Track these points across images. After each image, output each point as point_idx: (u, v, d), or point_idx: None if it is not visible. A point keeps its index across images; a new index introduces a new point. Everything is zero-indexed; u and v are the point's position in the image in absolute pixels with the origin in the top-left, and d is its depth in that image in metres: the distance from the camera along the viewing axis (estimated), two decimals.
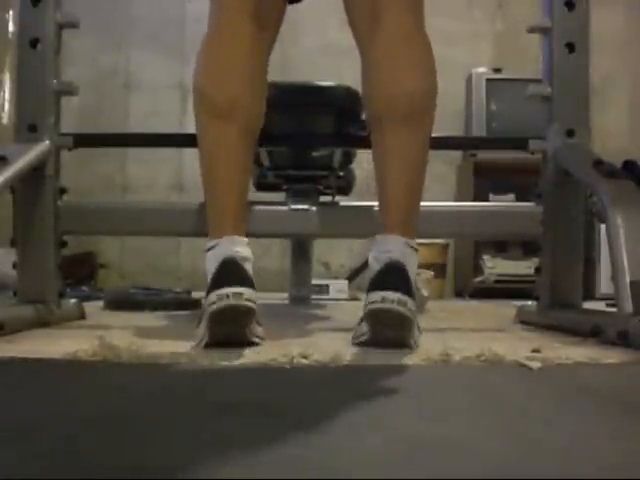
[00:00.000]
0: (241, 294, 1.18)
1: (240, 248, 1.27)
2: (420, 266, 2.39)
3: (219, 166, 1.34)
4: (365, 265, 1.97)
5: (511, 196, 3.76)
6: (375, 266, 1.23)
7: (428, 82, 1.33)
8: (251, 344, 1.25)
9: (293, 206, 1.94)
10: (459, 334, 1.60)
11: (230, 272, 1.21)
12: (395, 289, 1.17)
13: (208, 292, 1.21)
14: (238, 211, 1.34)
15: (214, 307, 1.17)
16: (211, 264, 1.25)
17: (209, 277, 1.23)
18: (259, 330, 1.29)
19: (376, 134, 1.35)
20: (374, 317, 1.21)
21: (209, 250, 1.28)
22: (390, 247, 1.24)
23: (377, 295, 1.17)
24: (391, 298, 1.16)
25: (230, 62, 1.35)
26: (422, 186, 1.34)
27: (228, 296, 1.17)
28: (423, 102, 1.32)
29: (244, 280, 1.20)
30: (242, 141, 1.35)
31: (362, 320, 1.27)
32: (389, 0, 1.31)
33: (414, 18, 1.33)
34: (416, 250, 1.28)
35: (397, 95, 1.31)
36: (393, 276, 1.20)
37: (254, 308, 1.21)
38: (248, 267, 1.25)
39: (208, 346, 1.23)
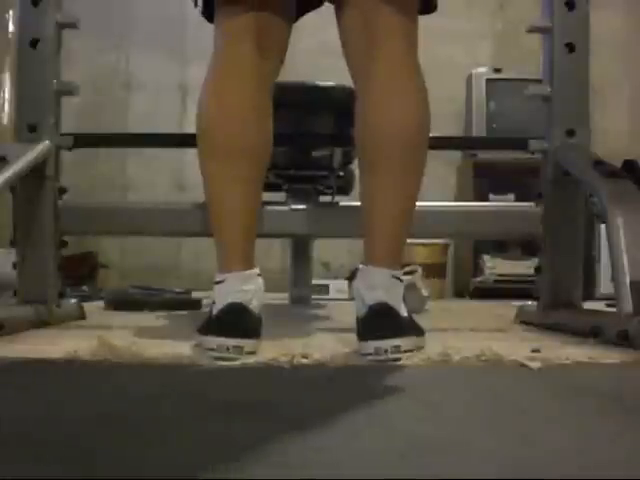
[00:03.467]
0: (241, 348, 1.16)
1: (248, 286, 1.24)
2: (420, 266, 2.40)
3: (226, 205, 1.31)
4: None
5: (511, 196, 3.75)
6: (361, 308, 1.21)
7: (421, 118, 1.30)
8: None
9: (293, 206, 1.94)
10: (459, 334, 1.60)
11: (234, 320, 1.19)
12: (386, 336, 1.15)
13: (209, 328, 1.19)
14: (247, 244, 1.30)
15: (212, 355, 1.16)
16: (218, 300, 1.22)
17: (214, 310, 1.22)
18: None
19: (366, 171, 1.32)
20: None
21: (217, 284, 1.25)
22: (375, 282, 1.21)
23: (369, 347, 1.15)
24: (384, 348, 1.14)
25: (235, 100, 1.31)
26: (412, 217, 1.31)
27: (228, 349, 1.15)
28: (415, 137, 1.29)
29: (247, 329, 1.19)
30: (250, 180, 1.32)
31: None
32: (384, 35, 1.28)
33: (408, 52, 1.30)
34: (400, 280, 1.25)
35: (391, 132, 1.28)
36: (381, 321, 1.18)
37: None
38: (255, 306, 1.23)
39: None
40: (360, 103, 1.32)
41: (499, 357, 1.13)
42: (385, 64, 1.29)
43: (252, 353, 1.17)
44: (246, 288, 1.23)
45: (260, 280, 1.27)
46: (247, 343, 1.17)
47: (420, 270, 2.34)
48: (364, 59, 1.30)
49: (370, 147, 1.31)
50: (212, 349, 1.16)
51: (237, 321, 1.20)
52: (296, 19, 1.39)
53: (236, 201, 1.30)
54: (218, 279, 1.25)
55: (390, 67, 1.29)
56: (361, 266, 1.27)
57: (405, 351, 1.16)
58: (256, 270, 1.28)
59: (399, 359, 1.15)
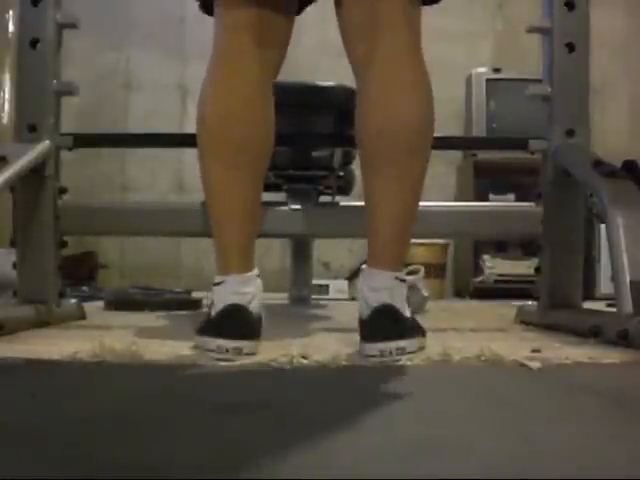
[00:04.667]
0: (240, 349, 1.16)
1: (247, 288, 1.23)
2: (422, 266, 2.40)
3: (226, 205, 1.28)
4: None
5: (511, 196, 3.76)
6: (365, 310, 1.20)
7: (424, 112, 1.27)
8: None
9: (293, 206, 1.94)
10: (459, 334, 1.60)
11: (232, 321, 1.19)
12: (390, 338, 1.15)
13: (207, 329, 1.18)
14: (246, 246, 1.28)
15: (211, 356, 1.16)
16: (217, 301, 1.22)
17: (213, 312, 1.21)
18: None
19: (369, 168, 1.30)
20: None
21: (216, 285, 1.24)
22: (378, 284, 1.20)
23: (374, 349, 1.15)
24: (389, 350, 1.14)
25: (236, 94, 1.29)
26: (415, 217, 1.29)
27: (227, 350, 1.15)
28: (419, 133, 1.26)
29: (246, 331, 1.19)
30: (250, 180, 1.30)
31: None
32: (385, 25, 1.25)
33: (410, 43, 1.27)
34: (404, 281, 1.24)
35: (393, 128, 1.25)
36: (385, 323, 1.17)
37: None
38: (254, 307, 1.22)
39: None
40: (360, 99, 1.28)
41: (499, 357, 1.13)
42: (386, 57, 1.25)
43: (251, 354, 1.17)
44: (245, 290, 1.23)
45: (259, 281, 1.26)
46: (246, 345, 1.17)
47: (422, 271, 2.34)
48: (364, 51, 1.26)
49: (371, 146, 1.28)
50: (211, 350, 1.16)
51: (236, 322, 1.19)
52: (298, 12, 1.36)
53: (235, 200, 1.28)
54: (217, 281, 1.24)
55: (391, 60, 1.25)
56: (364, 267, 1.27)
57: (409, 352, 1.15)
58: (255, 272, 1.27)
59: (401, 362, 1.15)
